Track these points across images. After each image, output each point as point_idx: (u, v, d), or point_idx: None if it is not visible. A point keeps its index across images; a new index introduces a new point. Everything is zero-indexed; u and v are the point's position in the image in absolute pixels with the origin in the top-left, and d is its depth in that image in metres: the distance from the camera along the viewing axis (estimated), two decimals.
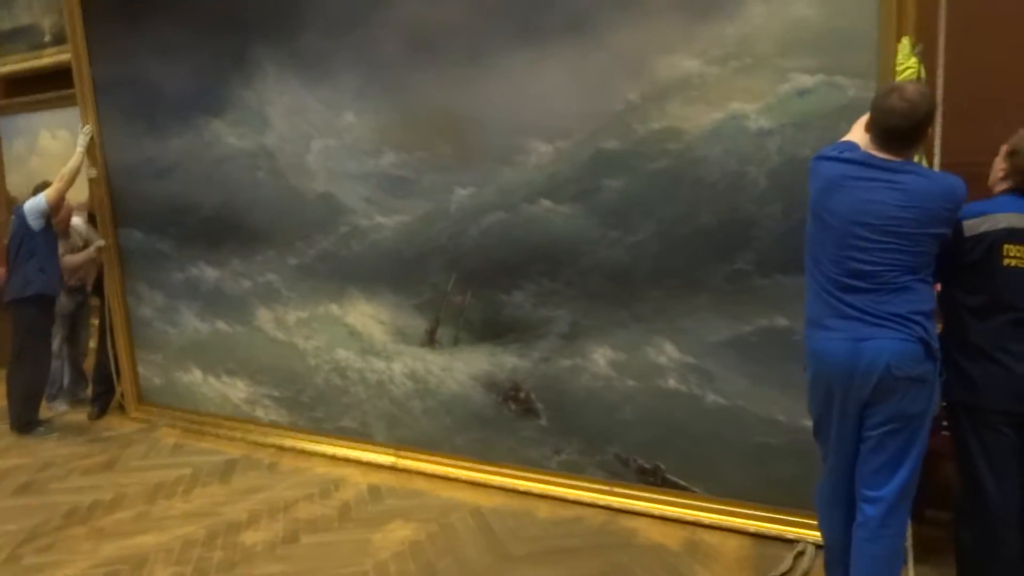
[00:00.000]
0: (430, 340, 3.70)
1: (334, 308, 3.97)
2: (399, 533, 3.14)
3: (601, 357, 3.27)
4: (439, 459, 3.75)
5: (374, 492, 3.60)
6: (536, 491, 3.46)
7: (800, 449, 2.82)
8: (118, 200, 4.67)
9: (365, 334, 3.89)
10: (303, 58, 3.78)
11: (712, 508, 3.10)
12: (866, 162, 2.12)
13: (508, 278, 3.42)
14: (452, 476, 3.68)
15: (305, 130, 3.85)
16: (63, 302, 4.79)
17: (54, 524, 3.29)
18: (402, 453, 3.87)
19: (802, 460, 2.80)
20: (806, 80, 2.74)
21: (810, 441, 2.37)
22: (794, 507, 2.91)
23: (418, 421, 3.80)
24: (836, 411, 2.17)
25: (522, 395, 3.49)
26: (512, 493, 3.49)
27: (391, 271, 3.74)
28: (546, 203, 3.27)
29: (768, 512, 2.99)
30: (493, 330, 3.52)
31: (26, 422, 4.54)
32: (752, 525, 3.01)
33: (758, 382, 2.96)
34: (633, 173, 3.07)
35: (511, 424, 3.54)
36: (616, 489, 3.30)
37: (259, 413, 4.35)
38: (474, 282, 3.52)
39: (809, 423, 2.33)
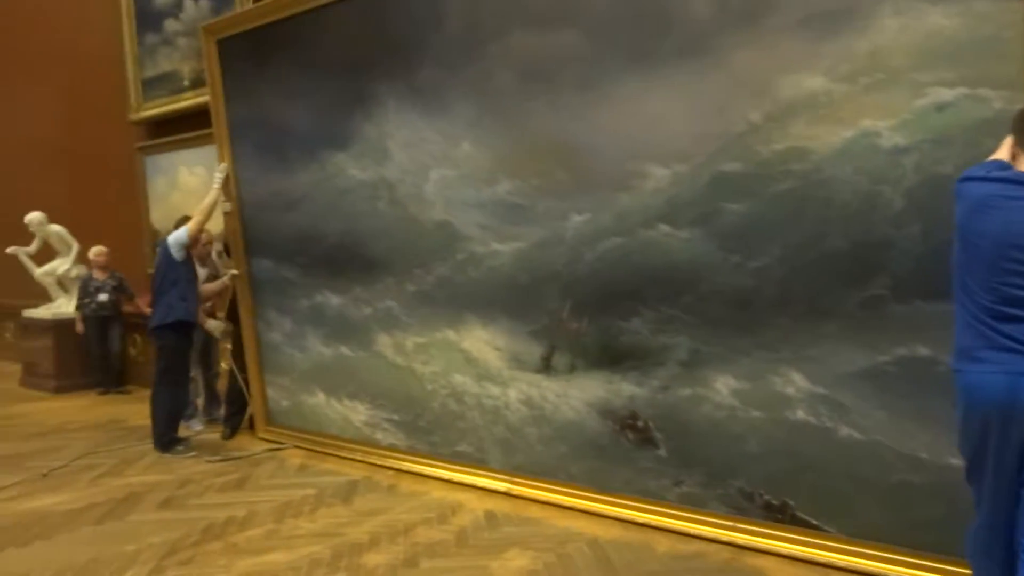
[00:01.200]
0: (546, 366, 3.71)
1: (451, 334, 4.05)
2: (517, 562, 3.13)
3: (723, 386, 3.18)
4: (554, 487, 3.74)
5: (490, 518, 3.62)
6: (655, 523, 3.39)
7: (945, 489, 2.64)
8: (250, 231, 4.96)
9: (481, 360, 3.95)
10: (421, 91, 3.93)
11: (846, 549, 2.94)
12: (1019, 180, 1.97)
13: (625, 304, 3.40)
14: (568, 505, 3.66)
15: (423, 161, 3.98)
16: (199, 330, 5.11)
17: (193, 539, 3.49)
18: (517, 480, 3.88)
19: (948, 502, 2.62)
20: (945, 94, 2.59)
21: (957, 481, 2.22)
22: (938, 552, 2.71)
23: (533, 448, 3.81)
24: (992, 452, 2.01)
25: (640, 424, 3.44)
26: (630, 525, 3.44)
27: (507, 297, 3.79)
28: (664, 228, 3.24)
29: (908, 556, 2.80)
30: (609, 357, 3.49)
31: (168, 441, 4.87)
32: (891, 570, 2.83)
33: (897, 415, 2.79)
34: (755, 196, 3.00)
35: (628, 454, 3.49)
36: (740, 525, 3.18)
37: (379, 436, 4.48)
38: (590, 308, 3.52)
39: (956, 461, 2.19)
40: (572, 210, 3.50)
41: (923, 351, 2.71)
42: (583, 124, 3.39)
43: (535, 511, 3.67)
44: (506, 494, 3.88)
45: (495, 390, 3.92)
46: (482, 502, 3.81)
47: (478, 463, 4.04)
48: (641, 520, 3.43)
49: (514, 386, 3.84)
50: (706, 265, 3.15)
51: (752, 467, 3.15)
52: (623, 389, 3.47)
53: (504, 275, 3.78)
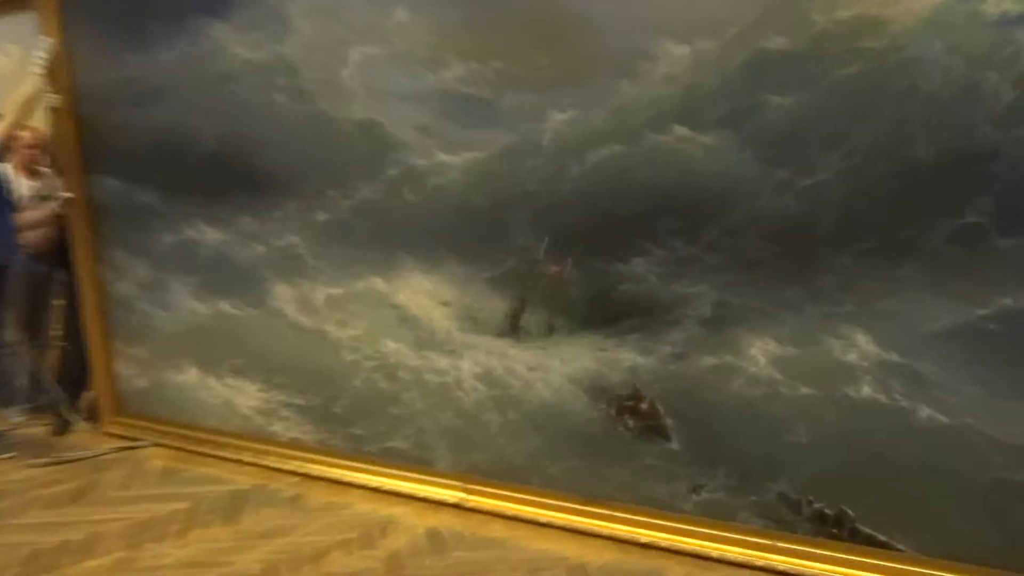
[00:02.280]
0: (513, 328, 3.72)
1: (379, 283, 4.04)
2: None
3: (760, 353, 3.22)
4: (525, 496, 3.78)
5: (435, 540, 3.65)
6: (664, 544, 3.45)
7: None
8: (88, 137, 4.83)
9: (423, 320, 3.94)
10: None
11: (924, 574, 3.02)
12: None
13: (625, 240, 3.40)
14: (543, 520, 3.70)
15: (340, 34, 3.90)
16: (18, 276, 5.01)
17: (11, 573, 3.47)
18: (473, 487, 3.91)
19: None
20: None
21: None
22: None
23: (495, 442, 3.84)
24: None
25: (644, 407, 3.47)
26: (629, 546, 3.49)
27: (459, 231, 3.78)
28: (681, 130, 3.23)
29: None
30: (603, 314, 3.51)
31: None
32: None
33: (997, 392, 2.86)
34: (809, 84, 3.01)
35: (628, 448, 3.53)
36: (782, 544, 3.25)
37: (277, 428, 4.48)
38: (576, 246, 3.52)
39: None
40: (551, 106, 3.46)
41: None
42: None
43: (498, 529, 3.72)
44: (458, 506, 3.91)
45: (442, 362, 3.92)
46: (424, 518, 3.84)
47: (419, 464, 4.05)
48: (645, 539, 3.48)
49: (469, 356, 3.85)
50: (739, 183, 3.16)
51: (799, 464, 3.20)
52: (621, 358, 3.49)
53: (454, 199, 3.75)
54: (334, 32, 3.92)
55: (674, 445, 3.44)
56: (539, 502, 3.75)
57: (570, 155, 3.46)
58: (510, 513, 3.79)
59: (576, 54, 3.39)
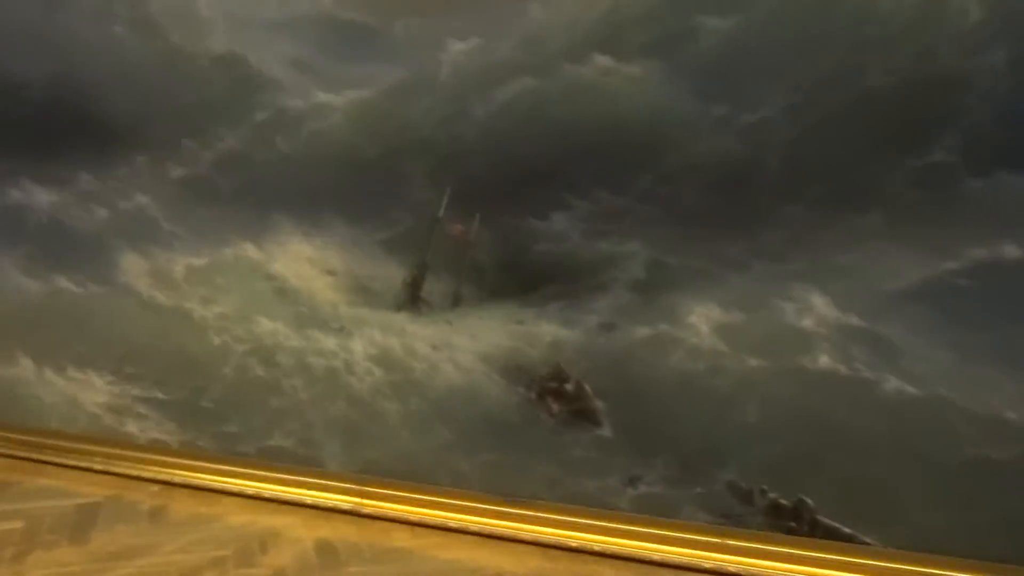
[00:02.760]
0: (412, 299, 3.70)
1: (250, 250, 3.97)
2: None
3: (702, 321, 3.25)
4: (432, 497, 3.77)
5: (327, 554, 3.63)
6: (597, 547, 3.47)
7: None
8: None
9: (304, 293, 3.90)
10: None
11: (894, 569, 3.09)
12: None
13: (541, 192, 3.40)
14: (455, 525, 3.71)
15: None
16: None
17: None
18: (370, 489, 3.89)
19: None
20: None
21: None
22: None
23: (396, 435, 3.82)
24: None
25: (569, 388, 3.48)
26: (557, 552, 3.51)
27: (344, 186, 3.74)
28: (603, 60, 3.22)
29: (986, 573, 2.97)
30: (518, 280, 3.52)
31: None
32: None
33: (972, 357, 2.93)
34: (748, 4, 3.03)
35: (552, 437, 3.54)
36: (732, 541, 3.30)
37: (132, 428, 4.38)
38: (483, 199, 3.51)
39: None
40: (449, 32, 3.43)
41: (1013, 251, 2.83)
42: None
43: (402, 538, 3.70)
44: (353, 513, 3.89)
45: (329, 342, 3.88)
46: (313, 528, 3.81)
47: (305, 464, 4.02)
48: (575, 543, 3.50)
49: (361, 334, 3.82)
50: (671, 122, 3.17)
51: (749, 448, 3.24)
52: (541, 332, 3.49)
53: (337, 147, 3.71)
54: None
55: (605, 432, 3.45)
56: (449, 504, 3.74)
57: (473, 92, 3.45)
58: (415, 519, 3.78)
59: None
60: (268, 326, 3.99)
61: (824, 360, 3.10)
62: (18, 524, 3.96)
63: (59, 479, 4.41)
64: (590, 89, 3.25)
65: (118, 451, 4.41)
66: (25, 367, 4.59)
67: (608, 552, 3.45)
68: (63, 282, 4.39)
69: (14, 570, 3.60)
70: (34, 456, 4.59)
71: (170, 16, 3.90)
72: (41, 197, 4.36)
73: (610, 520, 3.47)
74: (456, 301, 3.62)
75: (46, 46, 4.19)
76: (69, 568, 3.59)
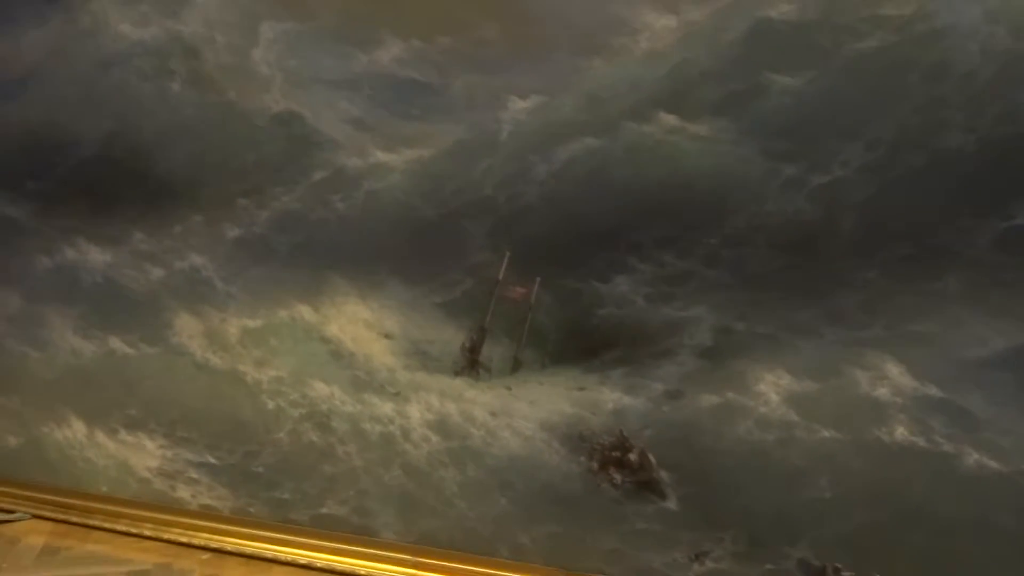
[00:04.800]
0: (471, 365, 3.69)
1: (306, 312, 3.99)
2: None
3: (772, 389, 3.21)
4: (490, 570, 3.71)
5: None
6: None
7: None
8: None
9: (359, 356, 3.90)
10: None
11: None
12: None
13: (603, 253, 3.39)
14: None
15: (249, 6, 3.88)
16: None
17: None
18: (426, 560, 3.84)
19: None
20: None
21: None
22: None
23: (452, 504, 3.79)
24: None
25: (633, 458, 3.44)
26: None
27: (401, 247, 3.75)
28: (668, 119, 3.23)
29: None
30: (579, 346, 3.50)
31: None
32: None
33: None
34: (821, 61, 3.03)
35: (614, 508, 3.49)
36: None
37: (183, 493, 4.39)
38: (544, 262, 3.50)
39: None
40: (510, 90, 3.46)
41: None
42: None
43: None
44: None
45: (385, 407, 3.87)
46: None
47: (359, 533, 3.99)
48: None
49: (418, 399, 3.80)
50: (740, 183, 3.17)
51: (821, 524, 3.17)
52: (604, 399, 3.47)
53: (395, 207, 3.73)
54: (241, 3, 3.90)
55: (670, 504, 3.40)
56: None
57: (534, 152, 3.46)
58: None
59: (538, 25, 3.40)
60: (323, 390, 3.99)
61: (900, 432, 3.04)
62: None
63: (108, 545, 4.43)
64: (655, 148, 3.25)
65: (169, 517, 4.40)
66: (77, 429, 4.63)
67: None
68: (116, 343, 4.42)
69: None
70: (83, 521, 4.60)
71: (227, 73, 3.96)
72: (95, 257, 4.41)
73: None
74: (516, 366, 3.61)
75: (101, 103, 4.26)
76: None
